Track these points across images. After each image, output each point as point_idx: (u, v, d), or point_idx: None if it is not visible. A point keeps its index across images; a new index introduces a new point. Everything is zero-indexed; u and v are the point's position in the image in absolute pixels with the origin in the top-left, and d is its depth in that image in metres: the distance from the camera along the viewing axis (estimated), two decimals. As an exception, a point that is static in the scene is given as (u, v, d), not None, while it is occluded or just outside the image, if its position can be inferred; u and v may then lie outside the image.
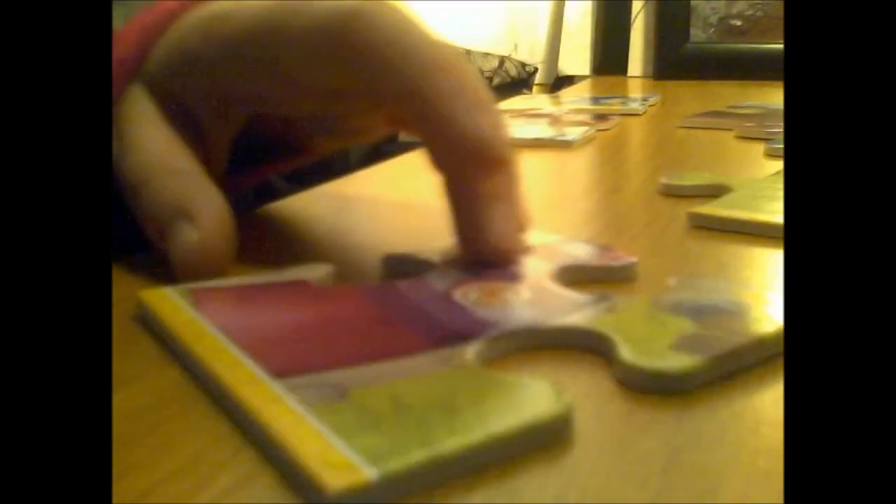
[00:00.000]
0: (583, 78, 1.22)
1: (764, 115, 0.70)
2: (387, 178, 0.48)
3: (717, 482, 0.17)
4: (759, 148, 0.54)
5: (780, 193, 0.39)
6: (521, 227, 0.30)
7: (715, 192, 0.41)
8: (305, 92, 0.32)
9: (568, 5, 1.27)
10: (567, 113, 0.72)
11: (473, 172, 0.28)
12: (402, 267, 0.30)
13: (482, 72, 1.25)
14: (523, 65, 1.30)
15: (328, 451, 0.17)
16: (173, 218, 0.29)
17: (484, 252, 0.29)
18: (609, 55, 1.20)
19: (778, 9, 1.11)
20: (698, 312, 0.24)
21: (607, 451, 0.19)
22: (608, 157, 0.57)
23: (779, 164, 0.49)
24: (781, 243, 0.33)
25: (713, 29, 1.15)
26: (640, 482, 0.17)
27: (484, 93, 0.28)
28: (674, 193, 0.42)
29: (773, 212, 0.36)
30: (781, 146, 0.53)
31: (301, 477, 0.17)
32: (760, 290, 0.26)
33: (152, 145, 0.31)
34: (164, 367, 0.23)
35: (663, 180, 0.43)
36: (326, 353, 0.22)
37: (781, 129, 0.59)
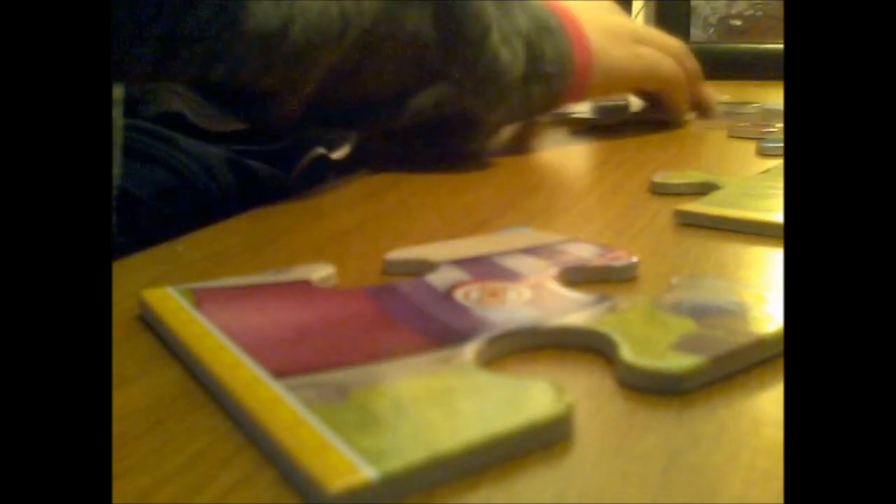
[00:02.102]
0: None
1: (759, 114, 0.70)
2: (387, 177, 0.48)
3: (717, 482, 0.17)
4: (752, 147, 0.55)
5: (769, 191, 0.39)
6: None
7: (703, 190, 0.41)
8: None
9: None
10: (570, 116, 0.72)
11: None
12: (403, 267, 0.30)
13: None
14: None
15: (328, 451, 0.17)
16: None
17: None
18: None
19: (778, 9, 1.11)
20: (699, 312, 0.24)
21: (607, 451, 0.19)
22: (606, 157, 0.57)
23: (769, 163, 0.49)
24: (776, 242, 0.34)
25: (713, 29, 1.15)
26: (640, 482, 0.17)
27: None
28: (664, 192, 0.43)
29: (760, 209, 0.36)
30: (773, 145, 0.53)
31: (301, 477, 0.17)
32: (760, 290, 0.26)
33: None
34: (164, 367, 0.23)
35: (654, 179, 0.44)
36: (326, 353, 0.22)
37: (775, 129, 0.60)
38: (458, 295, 0.26)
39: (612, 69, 0.58)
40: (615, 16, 0.62)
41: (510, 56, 0.49)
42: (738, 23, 1.15)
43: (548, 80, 0.53)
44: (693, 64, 0.66)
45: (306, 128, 0.57)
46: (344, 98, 0.47)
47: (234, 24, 0.37)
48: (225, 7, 0.37)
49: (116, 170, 0.46)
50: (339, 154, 0.62)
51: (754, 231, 0.35)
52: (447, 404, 0.19)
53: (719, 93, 0.74)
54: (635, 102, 0.74)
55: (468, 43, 0.47)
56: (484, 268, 0.29)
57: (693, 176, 0.44)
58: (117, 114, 0.47)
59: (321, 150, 0.62)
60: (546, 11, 0.54)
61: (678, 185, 0.43)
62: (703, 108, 0.69)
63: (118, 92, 0.46)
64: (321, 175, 0.58)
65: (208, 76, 0.40)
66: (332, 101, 0.47)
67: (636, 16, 1.20)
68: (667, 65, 0.62)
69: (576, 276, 0.29)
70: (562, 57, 0.53)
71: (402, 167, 0.49)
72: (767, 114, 0.70)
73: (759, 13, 1.13)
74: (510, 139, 0.63)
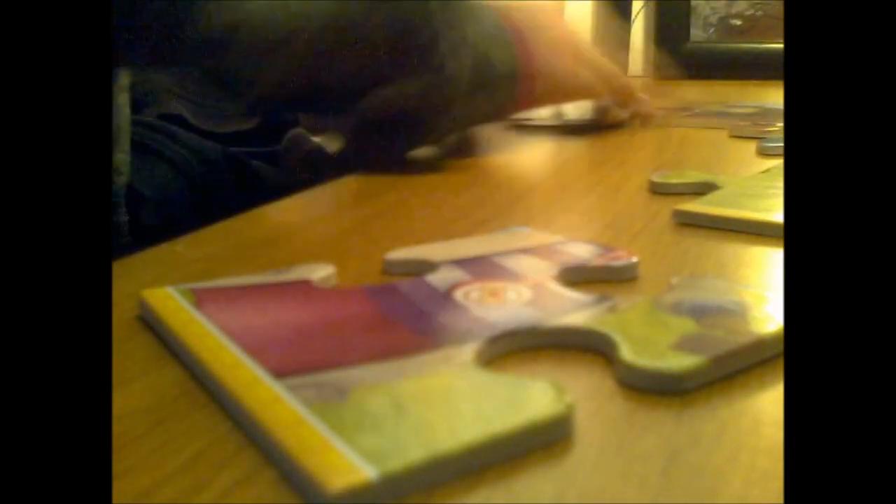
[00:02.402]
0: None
1: (758, 114, 0.70)
2: (387, 177, 0.48)
3: (717, 482, 0.17)
4: (752, 147, 0.55)
5: (768, 191, 0.40)
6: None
7: (702, 189, 0.41)
8: None
9: (568, 6, 1.27)
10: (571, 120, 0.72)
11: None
12: (403, 267, 0.30)
13: None
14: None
15: (328, 451, 0.17)
16: None
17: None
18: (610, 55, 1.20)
19: (778, 9, 1.11)
20: (699, 312, 0.24)
21: (607, 451, 0.19)
22: (607, 157, 0.57)
23: (770, 163, 0.49)
24: (776, 242, 0.34)
25: (713, 29, 1.16)
26: (640, 482, 0.17)
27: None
28: (663, 192, 0.43)
29: (759, 209, 0.36)
30: (773, 145, 0.53)
31: (301, 477, 0.17)
32: (760, 290, 0.26)
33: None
34: (164, 367, 0.23)
35: (653, 179, 0.44)
36: (326, 353, 0.22)
37: (775, 128, 0.60)
38: (458, 295, 0.26)
39: (555, 82, 0.59)
40: (558, 29, 0.62)
41: (456, 67, 0.50)
42: (738, 23, 1.15)
43: (494, 89, 0.54)
44: (623, 82, 0.67)
45: (277, 110, 0.58)
46: (300, 89, 0.48)
47: (176, 30, 0.38)
48: (167, 12, 0.38)
49: (123, 157, 0.46)
50: (332, 147, 0.62)
51: (754, 231, 0.35)
52: (447, 404, 0.19)
53: (721, 93, 0.75)
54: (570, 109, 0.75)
55: (416, 51, 0.48)
56: (484, 268, 0.29)
57: (692, 176, 0.44)
58: (124, 101, 0.47)
59: (300, 130, 0.62)
60: (495, 20, 0.54)
61: (677, 185, 0.43)
62: (643, 119, 0.70)
63: (125, 80, 0.47)
64: (321, 174, 0.58)
65: (172, 59, 0.41)
66: (291, 90, 0.47)
67: (636, 16, 1.20)
68: (601, 88, 0.63)
69: (576, 276, 0.29)
70: (509, 68, 0.54)
71: (402, 167, 0.49)
72: (767, 113, 0.70)
73: (759, 13, 1.13)
74: (508, 140, 0.63)
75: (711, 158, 0.55)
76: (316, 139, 0.63)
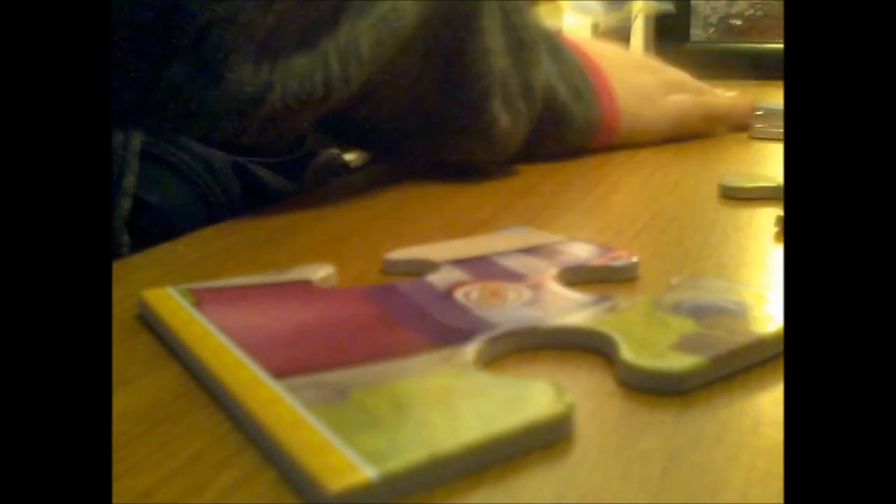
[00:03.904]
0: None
1: (770, 115, 0.70)
2: (387, 178, 0.48)
3: (717, 482, 0.17)
4: (780, 148, 0.55)
5: None
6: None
7: (779, 194, 0.40)
8: None
9: (567, 5, 1.27)
10: None
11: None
12: (403, 267, 0.30)
13: None
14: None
15: (328, 451, 0.17)
16: None
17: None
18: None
19: (778, 9, 1.11)
20: (699, 312, 0.24)
21: (607, 451, 0.19)
22: (622, 160, 0.57)
23: None
24: (775, 241, 0.33)
25: (713, 29, 1.16)
26: (640, 482, 0.17)
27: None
28: (736, 196, 0.41)
29: None
30: None
31: (301, 477, 0.17)
32: (760, 290, 0.26)
33: None
34: (164, 367, 0.23)
35: (723, 183, 0.42)
36: (326, 353, 0.22)
37: None
38: (459, 295, 0.26)
39: (638, 129, 0.58)
40: (647, 72, 0.62)
41: (510, 122, 0.48)
42: (738, 23, 1.15)
43: (565, 132, 0.53)
44: (733, 111, 0.65)
45: (311, 139, 0.57)
46: (341, 126, 0.47)
47: (208, 87, 0.36)
48: (201, 70, 0.36)
49: (132, 178, 0.45)
50: (351, 157, 0.62)
51: None
52: (447, 404, 0.19)
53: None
54: None
55: (465, 105, 0.46)
56: (484, 268, 0.29)
57: (765, 179, 0.43)
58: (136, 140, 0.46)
59: (335, 151, 0.61)
60: (581, 75, 0.54)
61: (751, 190, 0.41)
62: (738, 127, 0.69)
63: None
64: (324, 176, 0.58)
65: (187, 131, 0.39)
66: (331, 126, 0.46)
67: (636, 16, 1.20)
68: (697, 114, 0.63)
69: (576, 276, 0.29)
70: (587, 128, 0.54)
71: (403, 168, 0.49)
72: (775, 114, 0.70)
73: (759, 13, 1.13)
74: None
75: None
76: (337, 153, 0.62)
